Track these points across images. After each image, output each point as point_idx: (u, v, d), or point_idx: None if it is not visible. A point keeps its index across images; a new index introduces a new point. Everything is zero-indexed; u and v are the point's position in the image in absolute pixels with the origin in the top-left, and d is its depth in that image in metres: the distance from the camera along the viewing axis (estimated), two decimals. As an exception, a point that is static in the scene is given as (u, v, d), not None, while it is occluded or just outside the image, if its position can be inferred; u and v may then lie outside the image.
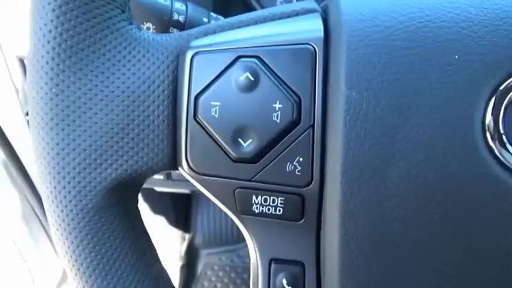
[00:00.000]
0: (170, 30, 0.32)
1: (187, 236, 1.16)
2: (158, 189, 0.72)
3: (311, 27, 0.20)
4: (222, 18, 0.34)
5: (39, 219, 0.84)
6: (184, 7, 0.32)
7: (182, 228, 1.13)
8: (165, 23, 0.31)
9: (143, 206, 1.02)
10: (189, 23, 0.32)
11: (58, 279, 0.93)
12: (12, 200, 0.78)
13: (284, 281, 0.22)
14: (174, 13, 0.31)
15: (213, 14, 0.33)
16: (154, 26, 0.32)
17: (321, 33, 0.19)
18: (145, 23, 0.31)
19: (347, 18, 0.19)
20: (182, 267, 1.09)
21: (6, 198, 0.77)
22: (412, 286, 0.19)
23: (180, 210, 1.06)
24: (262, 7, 0.60)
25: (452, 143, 0.18)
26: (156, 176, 0.61)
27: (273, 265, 0.22)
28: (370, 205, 0.19)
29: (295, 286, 0.22)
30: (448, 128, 0.18)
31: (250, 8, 0.61)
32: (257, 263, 0.23)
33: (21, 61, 0.53)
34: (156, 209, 1.00)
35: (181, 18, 0.31)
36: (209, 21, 0.33)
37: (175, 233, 1.12)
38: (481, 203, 0.18)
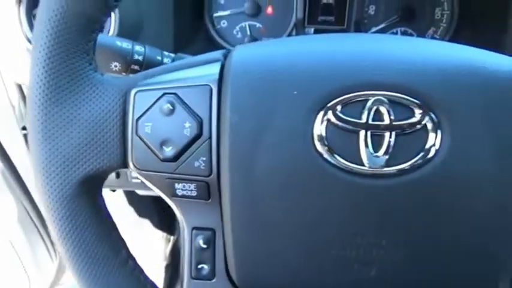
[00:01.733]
0: (132, 67, 0.42)
1: (171, 237, 1.25)
2: (140, 192, 0.81)
3: (210, 72, 0.30)
4: (172, 55, 0.44)
5: (34, 223, 0.92)
6: (143, 49, 0.42)
7: (166, 230, 1.22)
8: (128, 62, 0.42)
9: (129, 210, 1.10)
10: (147, 61, 0.42)
11: (52, 278, 1.01)
12: (9, 205, 0.86)
13: (201, 241, 0.32)
14: (135, 54, 0.41)
15: (165, 53, 0.44)
16: (119, 65, 0.42)
17: (217, 77, 0.30)
18: (112, 62, 0.41)
19: (233, 66, 0.30)
20: (167, 267, 1.17)
21: (4, 203, 0.85)
22: (278, 238, 0.29)
23: (164, 213, 1.15)
24: (225, 41, 0.70)
25: (295, 147, 0.28)
26: (136, 180, 0.70)
27: (193, 231, 0.32)
28: (246, 187, 0.29)
29: (208, 244, 0.32)
30: (292, 136, 0.28)
31: (214, 43, 0.71)
32: (184, 230, 0.33)
33: (19, 86, 0.63)
34: (140, 213, 1.09)
35: (140, 58, 0.42)
36: (162, 59, 0.43)
37: (160, 235, 1.20)
38: (316, 189, 0.29)
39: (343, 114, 0.28)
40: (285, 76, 0.29)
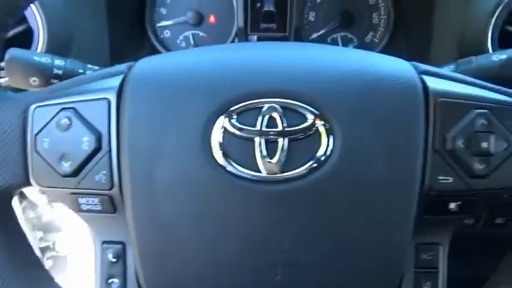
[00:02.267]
0: (52, 82, 0.42)
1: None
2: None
3: (110, 85, 0.30)
4: (96, 67, 0.44)
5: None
6: (63, 63, 0.42)
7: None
8: (47, 76, 0.41)
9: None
10: (67, 75, 0.42)
11: None
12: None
13: (110, 255, 0.32)
14: (54, 68, 0.41)
15: (89, 66, 0.44)
16: (38, 79, 0.41)
17: (116, 89, 0.30)
18: (31, 77, 0.41)
19: (133, 77, 0.30)
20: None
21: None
22: (183, 248, 0.29)
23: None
24: (169, 51, 0.70)
25: (193, 157, 0.29)
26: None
27: (103, 245, 0.32)
28: (148, 199, 0.29)
29: (118, 258, 0.32)
30: (190, 146, 0.29)
31: (158, 53, 0.71)
32: (94, 245, 0.32)
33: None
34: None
35: (60, 72, 0.41)
36: (84, 72, 0.43)
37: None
38: (215, 197, 0.29)
39: (239, 123, 0.29)
40: (182, 87, 0.29)
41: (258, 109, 0.29)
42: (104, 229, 0.32)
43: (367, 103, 0.29)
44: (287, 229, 0.29)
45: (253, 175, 0.29)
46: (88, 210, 0.31)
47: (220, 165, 0.29)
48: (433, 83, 0.30)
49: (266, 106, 0.29)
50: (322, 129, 0.29)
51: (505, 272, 0.33)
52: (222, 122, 0.29)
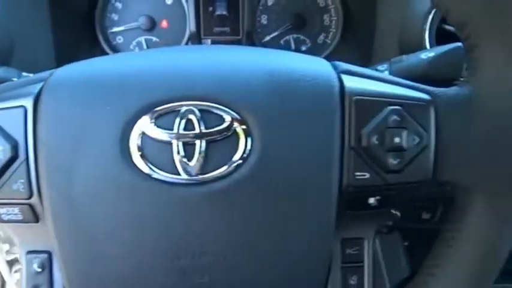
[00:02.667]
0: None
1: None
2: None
3: (27, 92, 0.30)
4: (30, 75, 0.43)
5: None
6: (-6, 70, 0.41)
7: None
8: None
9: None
10: (-1, 82, 0.41)
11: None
12: None
13: (35, 265, 0.31)
14: (-16, 77, 0.40)
15: (24, 74, 0.43)
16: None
17: (33, 96, 0.30)
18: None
19: (50, 84, 0.30)
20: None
21: None
22: (106, 255, 0.29)
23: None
24: (114, 50, 0.70)
25: (112, 162, 0.29)
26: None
27: (28, 255, 0.32)
28: (67, 206, 0.29)
29: (43, 268, 0.31)
30: (108, 151, 0.29)
31: (103, 51, 0.70)
32: (20, 255, 0.32)
33: None
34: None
35: (-10, 80, 0.41)
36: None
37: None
38: (137, 203, 0.29)
39: (157, 126, 0.29)
40: (100, 92, 0.29)
41: (175, 112, 0.29)
42: (28, 238, 0.31)
43: (284, 104, 0.30)
44: (210, 231, 0.30)
45: (172, 178, 0.29)
46: (9, 220, 0.30)
47: (140, 169, 0.29)
48: (350, 82, 0.31)
49: (183, 109, 0.29)
50: (240, 131, 0.29)
51: (430, 264, 0.33)
52: (140, 126, 0.29)
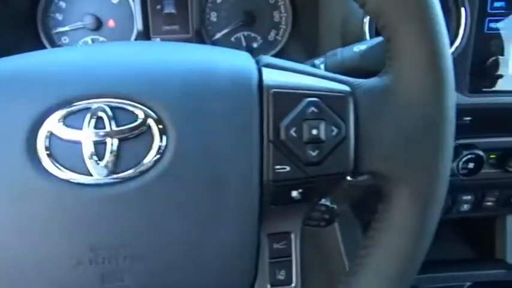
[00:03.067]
0: None
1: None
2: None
3: None
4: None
5: None
6: None
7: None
8: None
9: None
10: None
11: None
12: None
13: None
14: None
15: None
16: None
17: None
18: None
19: None
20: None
21: None
22: (17, 264, 0.28)
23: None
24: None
25: (19, 164, 0.28)
26: None
27: None
28: None
29: None
30: (15, 153, 0.27)
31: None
32: None
33: None
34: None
35: None
36: None
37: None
38: (48, 206, 0.28)
39: (66, 126, 0.28)
40: (8, 89, 0.28)
41: (85, 110, 0.28)
42: None
43: (201, 99, 0.29)
44: (126, 232, 0.29)
45: (83, 179, 0.28)
46: None
47: (47, 171, 0.28)
48: (270, 75, 0.31)
49: (94, 107, 0.28)
50: (154, 129, 0.28)
51: (360, 254, 0.33)
52: (48, 125, 0.28)
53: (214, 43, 0.70)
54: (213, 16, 0.70)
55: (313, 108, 0.30)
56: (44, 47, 0.66)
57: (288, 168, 0.30)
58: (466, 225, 0.83)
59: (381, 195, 0.33)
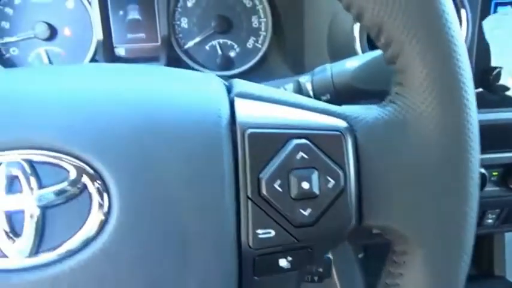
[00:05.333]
0: None
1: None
2: None
3: None
4: None
5: None
6: None
7: None
8: None
9: None
10: None
11: None
12: None
13: None
14: None
15: None
16: None
17: None
18: None
19: None
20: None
21: None
22: None
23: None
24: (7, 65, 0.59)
25: None
26: None
27: None
28: None
29: None
30: None
31: None
32: None
33: None
34: None
35: None
36: None
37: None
38: None
39: (-33, 190, 0.21)
40: None
41: None
42: None
43: (155, 145, 0.22)
44: None
45: None
46: None
47: None
48: (245, 110, 0.24)
49: (4, 163, 0.21)
50: (92, 188, 0.21)
51: None
52: None
53: (186, 52, 0.62)
54: (184, 22, 0.62)
55: (302, 154, 0.23)
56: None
57: (272, 233, 0.23)
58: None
59: (392, 250, 0.26)
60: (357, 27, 0.46)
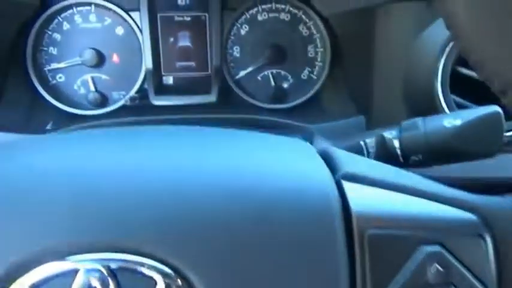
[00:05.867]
0: None
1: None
2: None
3: None
4: None
5: None
6: None
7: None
8: None
9: None
10: None
11: None
12: None
13: None
14: None
15: None
16: None
17: None
18: None
19: None
20: None
21: None
22: None
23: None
24: (63, 100, 0.57)
25: None
26: None
27: None
28: None
29: None
30: None
31: (42, 101, 0.58)
32: None
33: None
34: None
35: None
36: None
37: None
38: None
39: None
40: None
41: (68, 277, 0.18)
42: None
43: (254, 243, 0.18)
44: None
45: None
46: None
47: None
48: (358, 200, 0.20)
49: (81, 270, 0.18)
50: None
51: None
52: None
53: (238, 82, 0.59)
54: (236, 51, 0.59)
55: (436, 266, 0.19)
56: (33, 87, 0.55)
57: None
58: None
59: None
60: (439, 72, 0.41)
